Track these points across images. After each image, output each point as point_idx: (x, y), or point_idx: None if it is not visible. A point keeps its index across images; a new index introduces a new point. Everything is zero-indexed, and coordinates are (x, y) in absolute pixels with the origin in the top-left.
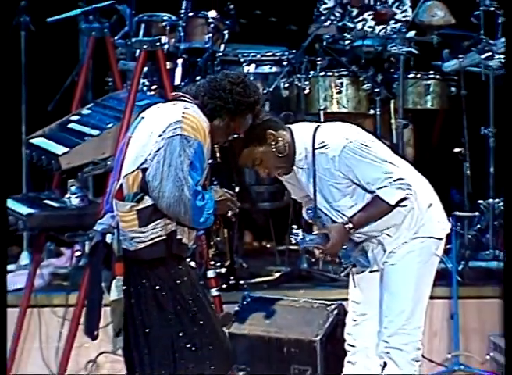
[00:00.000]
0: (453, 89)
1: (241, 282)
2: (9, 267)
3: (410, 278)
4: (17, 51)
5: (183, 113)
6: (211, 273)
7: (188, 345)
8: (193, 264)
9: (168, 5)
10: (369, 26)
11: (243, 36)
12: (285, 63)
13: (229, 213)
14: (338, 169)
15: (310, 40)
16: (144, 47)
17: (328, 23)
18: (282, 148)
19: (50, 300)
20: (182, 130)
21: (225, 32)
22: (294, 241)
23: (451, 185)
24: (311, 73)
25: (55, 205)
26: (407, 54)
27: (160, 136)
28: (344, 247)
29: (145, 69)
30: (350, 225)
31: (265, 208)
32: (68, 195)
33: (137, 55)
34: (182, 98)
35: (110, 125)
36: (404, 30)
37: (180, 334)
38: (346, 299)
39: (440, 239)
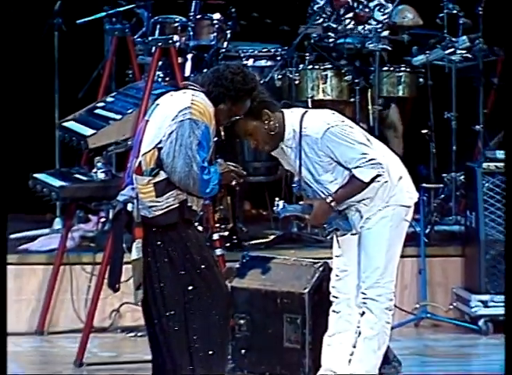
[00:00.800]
0: (420, 80)
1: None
2: (45, 231)
3: (384, 240)
4: (51, 49)
5: (192, 100)
6: (215, 236)
7: (196, 297)
8: (200, 228)
9: (179, 8)
10: (350, 27)
11: (243, 35)
12: (278, 58)
13: (233, 183)
14: (321, 149)
15: (299, 38)
16: (159, 44)
17: (321, 20)
18: (273, 126)
19: (79, 259)
20: (191, 114)
21: (228, 31)
22: (275, 211)
23: (419, 161)
24: (301, 66)
25: (84, 178)
26: (382, 50)
27: (173, 120)
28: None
29: (160, 63)
30: (331, 200)
31: (262, 181)
32: (94, 170)
33: (153, 51)
34: (191, 87)
35: (130, 110)
36: (380, 30)
37: (190, 288)
38: (330, 258)
39: (409, 207)
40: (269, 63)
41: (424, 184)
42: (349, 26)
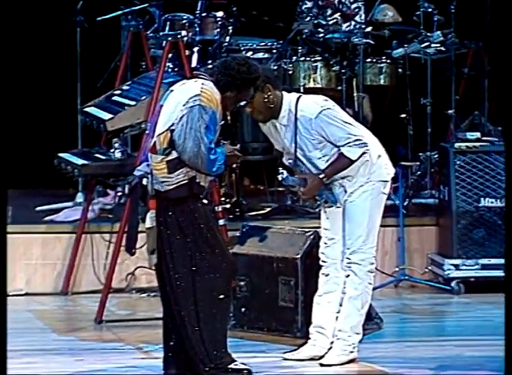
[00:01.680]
0: (399, 70)
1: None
2: (68, 204)
3: (365, 211)
4: (74, 43)
5: (201, 88)
6: (219, 208)
7: (202, 261)
8: (205, 201)
9: (187, 7)
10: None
11: (243, 30)
12: (274, 51)
13: (234, 165)
14: (314, 129)
15: (293, 33)
16: (169, 39)
17: (308, 19)
18: (271, 100)
19: (99, 228)
20: (200, 101)
21: (230, 27)
22: (280, 178)
23: (398, 142)
24: (294, 58)
25: (103, 157)
26: (366, 44)
27: (184, 105)
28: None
29: (170, 55)
30: (324, 175)
31: (259, 159)
32: (112, 150)
33: (164, 45)
34: (201, 76)
35: (144, 97)
36: (363, 27)
37: (196, 254)
38: (319, 227)
39: (386, 181)
40: (266, 56)
41: (402, 162)
42: (336, 24)
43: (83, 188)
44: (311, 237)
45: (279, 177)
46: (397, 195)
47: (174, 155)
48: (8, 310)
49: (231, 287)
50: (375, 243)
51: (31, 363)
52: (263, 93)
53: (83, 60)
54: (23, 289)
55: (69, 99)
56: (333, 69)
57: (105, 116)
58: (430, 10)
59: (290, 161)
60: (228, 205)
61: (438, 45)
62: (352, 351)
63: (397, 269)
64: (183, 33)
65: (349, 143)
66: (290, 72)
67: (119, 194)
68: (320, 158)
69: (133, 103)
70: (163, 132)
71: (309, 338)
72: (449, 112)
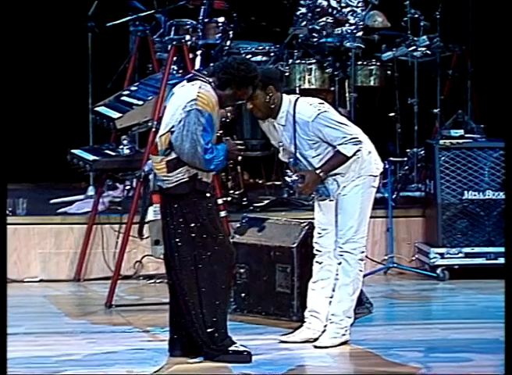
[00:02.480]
0: (388, 72)
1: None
2: (80, 197)
3: (357, 204)
4: (85, 47)
5: (198, 92)
6: (220, 201)
7: (205, 251)
8: (208, 195)
9: (190, 13)
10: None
11: (243, 35)
12: (272, 54)
13: (239, 158)
14: (311, 131)
15: (289, 38)
16: (174, 43)
17: (304, 23)
18: (272, 101)
19: (109, 219)
20: (196, 105)
21: (231, 32)
22: (290, 183)
23: (387, 139)
24: (290, 61)
25: (112, 153)
26: (357, 48)
27: (183, 109)
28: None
29: (174, 58)
30: (320, 171)
31: (258, 155)
32: (121, 147)
33: (169, 48)
34: (199, 78)
35: (150, 97)
36: (355, 31)
37: (199, 244)
38: (313, 218)
39: (376, 176)
40: (264, 58)
41: (391, 158)
42: (329, 28)
43: (94, 182)
44: (306, 227)
45: (288, 180)
46: (386, 189)
47: (173, 155)
48: (24, 295)
49: (232, 275)
50: (365, 233)
51: (45, 345)
52: (266, 93)
53: (93, 63)
54: (38, 276)
55: (81, 99)
56: (327, 71)
57: (115, 114)
58: (417, 16)
59: (291, 159)
60: (236, 196)
61: (424, 49)
62: (344, 334)
63: (386, 257)
64: (187, 37)
65: (344, 141)
66: (287, 74)
67: (127, 187)
68: (314, 156)
69: (140, 103)
70: (164, 133)
71: (304, 322)
72: (435, 111)
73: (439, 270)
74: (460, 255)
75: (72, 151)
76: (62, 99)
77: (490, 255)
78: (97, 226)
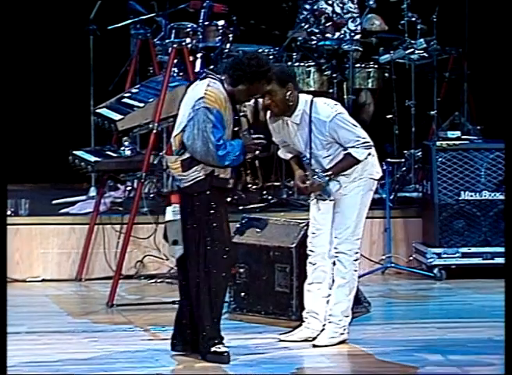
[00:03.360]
0: (386, 74)
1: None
2: (82, 197)
3: (356, 205)
4: (87, 50)
5: (206, 90)
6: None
7: (219, 249)
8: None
9: (190, 17)
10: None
11: (242, 38)
12: (271, 57)
13: (257, 152)
14: (327, 131)
15: (288, 41)
16: (174, 46)
17: (306, 27)
18: (291, 99)
19: (110, 220)
20: (204, 103)
21: (230, 35)
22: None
23: (385, 140)
24: (289, 63)
25: (114, 154)
26: (355, 50)
27: (192, 108)
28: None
29: (175, 61)
30: (331, 173)
31: (258, 156)
32: (122, 148)
33: (170, 51)
34: (210, 76)
35: (151, 99)
36: (353, 35)
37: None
38: None
39: (376, 180)
40: None
41: (389, 159)
42: (327, 31)
43: (96, 183)
44: (305, 227)
45: (320, 180)
46: (384, 189)
47: (187, 154)
48: (27, 295)
49: (229, 276)
50: (361, 235)
51: (47, 344)
52: (285, 90)
53: (95, 65)
54: (40, 276)
55: (83, 101)
56: (325, 73)
57: (116, 116)
58: (414, 19)
59: (305, 159)
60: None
61: (421, 52)
62: (342, 333)
63: (384, 257)
64: (188, 40)
65: (357, 144)
66: None
67: (128, 188)
68: (325, 157)
69: (141, 105)
70: (177, 134)
71: (303, 321)
72: (432, 112)
73: (436, 270)
74: (457, 255)
75: (74, 152)
76: (64, 101)
77: (487, 255)
78: (98, 227)
